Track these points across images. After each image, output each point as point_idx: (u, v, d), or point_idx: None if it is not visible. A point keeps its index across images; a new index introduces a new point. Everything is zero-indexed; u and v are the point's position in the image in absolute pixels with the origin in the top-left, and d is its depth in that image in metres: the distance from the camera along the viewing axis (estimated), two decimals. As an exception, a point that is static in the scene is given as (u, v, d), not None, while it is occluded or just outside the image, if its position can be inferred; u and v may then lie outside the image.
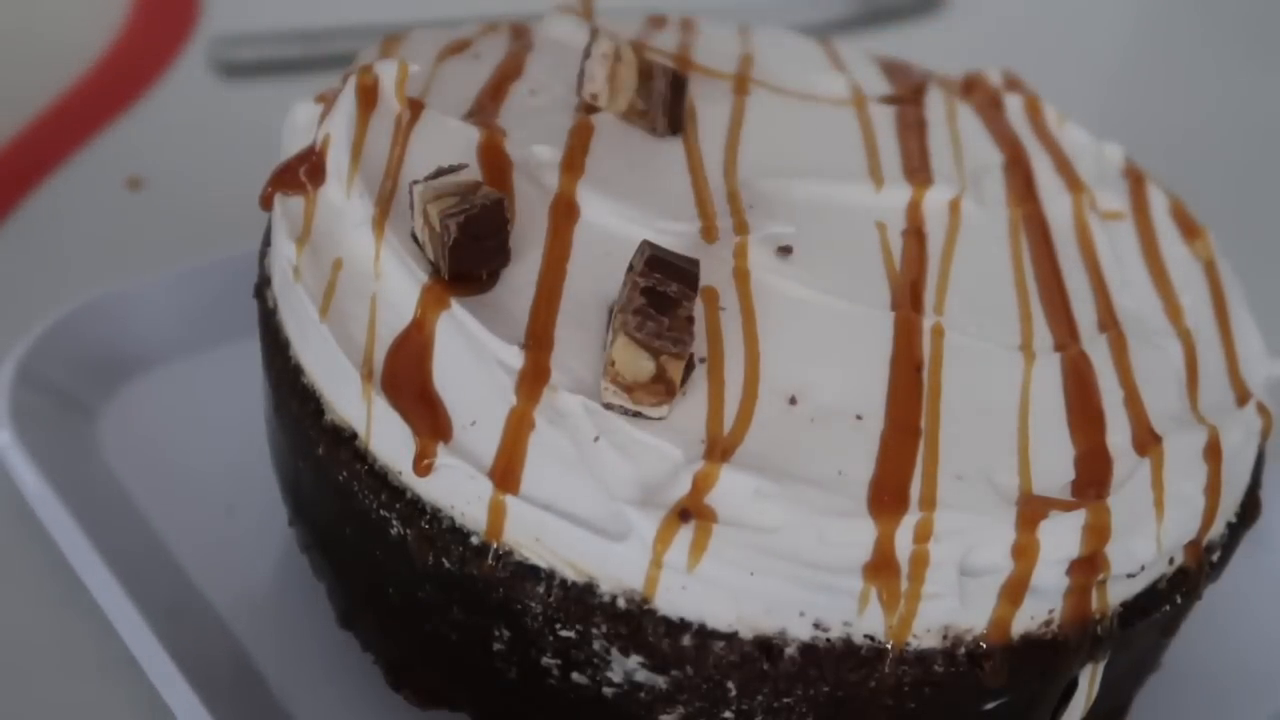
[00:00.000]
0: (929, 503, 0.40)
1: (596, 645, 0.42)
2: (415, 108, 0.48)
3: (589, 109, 0.51)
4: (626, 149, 0.50)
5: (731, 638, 0.41)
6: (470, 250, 0.42)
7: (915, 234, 0.50)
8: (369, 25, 0.82)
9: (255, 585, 0.53)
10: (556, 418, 0.40)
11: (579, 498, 0.40)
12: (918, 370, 0.44)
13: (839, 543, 0.40)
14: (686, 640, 0.41)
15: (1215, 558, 0.47)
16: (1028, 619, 0.42)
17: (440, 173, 0.43)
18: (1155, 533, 0.43)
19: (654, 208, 0.47)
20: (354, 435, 0.44)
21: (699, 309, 0.43)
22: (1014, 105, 0.59)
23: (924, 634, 0.41)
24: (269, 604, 0.53)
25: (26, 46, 0.83)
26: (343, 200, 0.46)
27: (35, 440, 0.54)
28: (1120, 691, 0.49)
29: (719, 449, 0.40)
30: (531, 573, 0.41)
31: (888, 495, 0.40)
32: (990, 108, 0.59)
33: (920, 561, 0.40)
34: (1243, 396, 0.48)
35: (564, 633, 0.42)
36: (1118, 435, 0.44)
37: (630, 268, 0.42)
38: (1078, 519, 0.41)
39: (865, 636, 0.41)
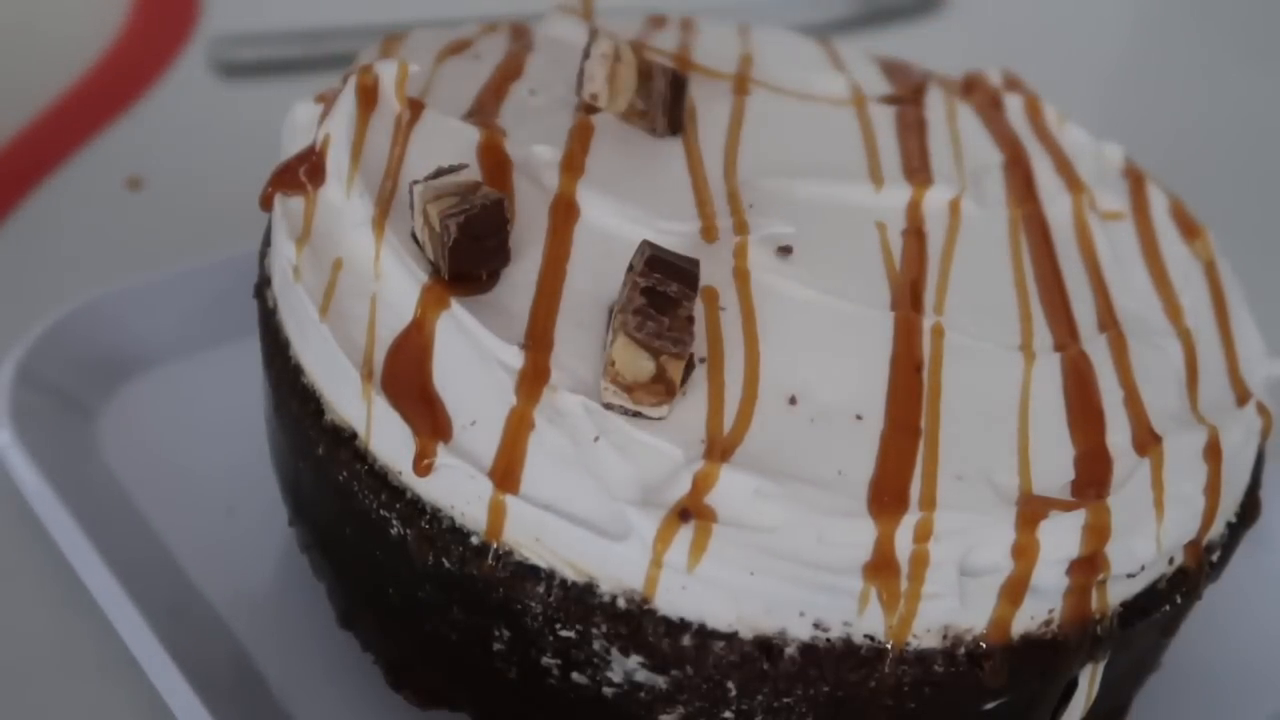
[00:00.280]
0: (929, 503, 0.40)
1: (596, 645, 0.42)
2: (415, 108, 0.48)
3: (589, 109, 0.51)
4: (627, 149, 0.50)
5: (731, 638, 0.41)
6: (470, 250, 0.42)
7: (915, 234, 0.50)
8: (369, 25, 0.82)
9: (255, 585, 0.53)
10: (556, 418, 0.40)
11: (579, 498, 0.40)
12: (918, 370, 0.44)
13: (839, 543, 0.40)
14: (686, 640, 0.41)
15: (1215, 558, 0.47)
16: (1028, 619, 0.42)
17: (440, 173, 0.43)
18: (1155, 533, 0.43)
19: (654, 208, 0.47)
20: (354, 435, 0.44)
21: (699, 309, 0.43)
22: (1014, 105, 0.59)
23: (924, 634, 0.41)
24: (269, 604, 0.53)
25: (26, 46, 0.83)
26: (343, 200, 0.46)
27: (35, 440, 0.54)
28: (1120, 691, 0.49)
29: (719, 449, 0.40)
30: (531, 573, 0.41)
31: (888, 495, 0.40)
32: (990, 108, 0.59)
33: (920, 561, 0.40)
34: (1243, 396, 0.48)
35: (564, 633, 0.42)
36: (1118, 435, 0.44)
37: (630, 268, 0.42)
38: (1078, 519, 0.41)
39: (865, 636, 0.41)
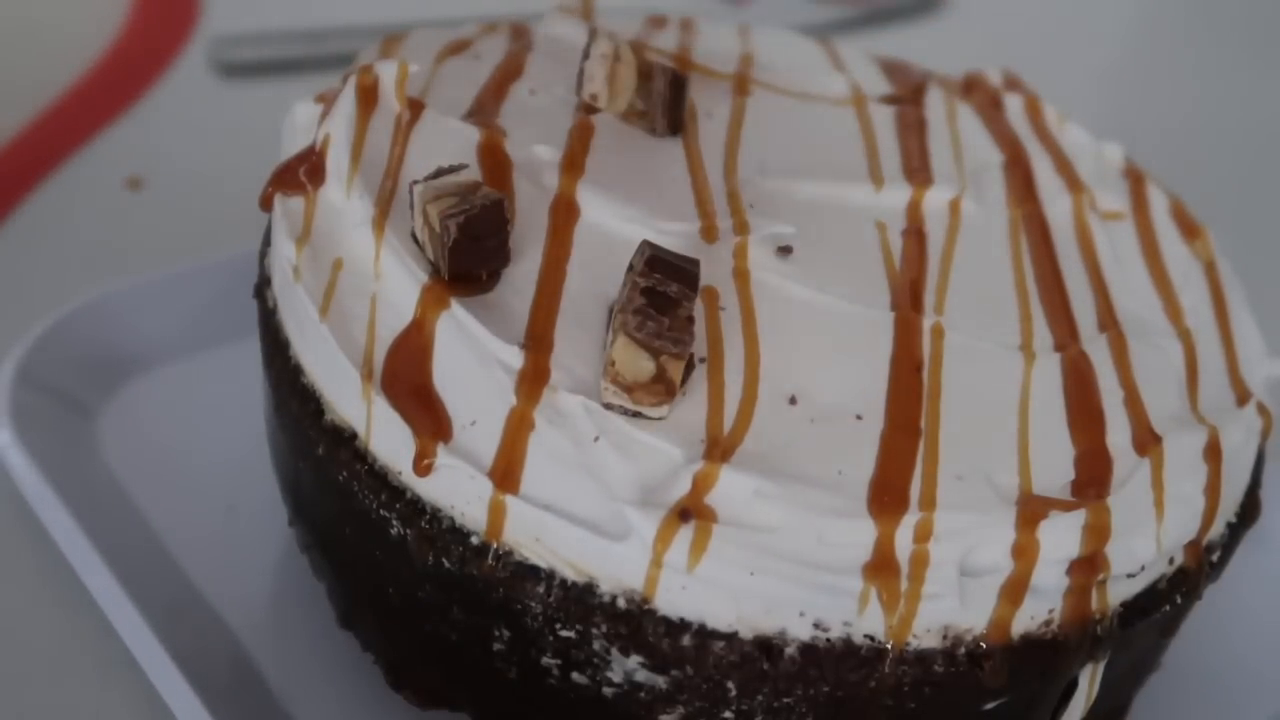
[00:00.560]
0: (929, 503, 0.40)
1: (596, 645, 0.42)
2: (415, 108, 0.48)
3: (589, 109, 0.51)
4: (627, 149, 0.50)
5: (731, 638, 0.41)
6: (470, 250, 0.42)
7: (915, 234, 0.50)
8: (369, 25, 0.82)
9: (255, 585, 0.53)
10: (556, 418, 0.40)
11: (579, 498, 0.40)
12: (918, 370, 0.44)
13: (839, 543, 0.40)
14: (686, 640, 0.41)
15: (1215, 558, 0.47)
16: (1028, 619, 0.42)
17: (440, 173, 0.43)
18: (1155, 533, 0.43)
19: (654, 208, 0.47)
20: (354, 435, 0.44)
21: (699, 309, 0.43)
22: (1014, 105, 0.59)
23: (924, 634, 0.41)
24: (269, 604, 0.53)
25: (27, 46, 0.83)
26: (343, 200, 0.46)
27: (35, 440, 0.54)
28: (1120, 691, 0.49)
29: (719, 449, 0.40)
30: (531, 573, 0.41)
31: (888, 495, 0.40)
32: (990, 108, 0.59)
33: (920, 561, 0.40)
34: (1243, 396, 0.48)
35: (564, 633, 0.42)
36: (1118, 435, 0.44)
37: (630, 268, 0.42)
38: (1078, 519, 0.41)
39: (865, 636, 0.41)
